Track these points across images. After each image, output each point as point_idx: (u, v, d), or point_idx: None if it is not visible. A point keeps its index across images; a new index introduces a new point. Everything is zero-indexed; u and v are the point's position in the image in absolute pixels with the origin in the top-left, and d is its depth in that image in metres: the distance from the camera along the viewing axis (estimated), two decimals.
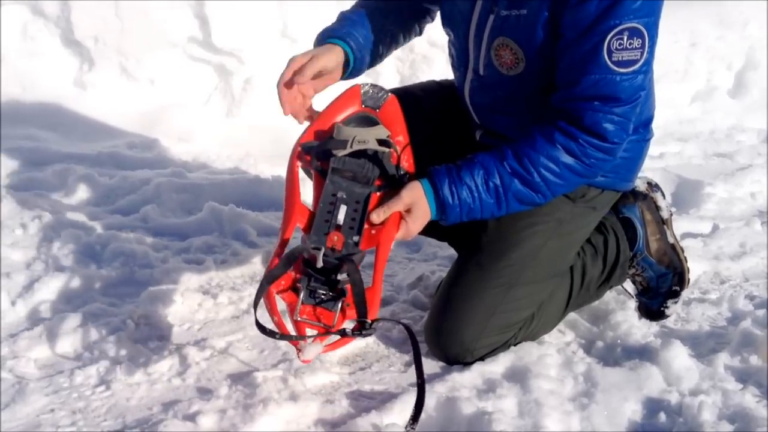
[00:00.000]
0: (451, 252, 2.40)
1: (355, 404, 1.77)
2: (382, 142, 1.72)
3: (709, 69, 4.47)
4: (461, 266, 1.99)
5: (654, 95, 1.99)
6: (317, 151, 1.73)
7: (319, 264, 1.59)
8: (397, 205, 1.71)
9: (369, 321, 1.57)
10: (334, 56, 1.88)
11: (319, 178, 1.74)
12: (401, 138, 1.81)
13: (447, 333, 1.92)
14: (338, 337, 1.60)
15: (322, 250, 1.60)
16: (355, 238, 1.66)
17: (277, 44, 3.96)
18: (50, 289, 2.23)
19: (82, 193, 3.04)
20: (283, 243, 1.66)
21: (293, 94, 1.81)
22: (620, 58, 1.68)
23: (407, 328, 1.71)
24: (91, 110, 3.83)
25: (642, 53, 1.69)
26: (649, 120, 2.01)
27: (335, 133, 1.74)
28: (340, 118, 1.80)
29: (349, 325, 1.60)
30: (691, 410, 1.70)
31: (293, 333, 1.61)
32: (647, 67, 1.72)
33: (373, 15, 1.99)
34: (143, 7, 3.89)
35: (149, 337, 2.02)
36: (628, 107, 1.72)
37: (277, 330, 1.59)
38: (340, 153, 1.70)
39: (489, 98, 1.95)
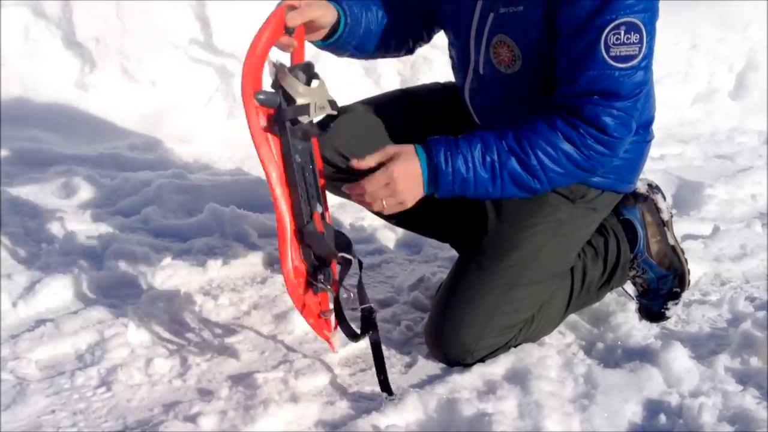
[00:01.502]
0: (452, 253, 2.40)
1: (356, 405, 1.77)
2: (332, 104, 1.76)
3: (710, 71, 4.47)
4: (462, 267, 1.99)
5: (654, 97, 1.99)
6: (278, 118, 1.72)
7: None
8: (379, 155, 1.74)
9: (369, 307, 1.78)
10: (329, 11, 1.84)
11: (276, 137, 1.75)
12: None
13: (447, 334, 1.92)
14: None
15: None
16: (319, 209, 1.75)
17: None
18: (51, 290, 2.23)
19: (83, 194, 3.05)
20: (298, 235, 1.73)
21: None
22: (618, 53, 1.67)
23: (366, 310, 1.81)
24: (92, 112, 3.84)
25: (640, 48, 1.68)
26: (650, 121, 2.01)
27: (288, 87, 1.69)
28: (265, 36, 1.79)
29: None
30: (691, 412, 1.70)
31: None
32: (647, 63, 1.71)
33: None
34: (144, 8, 3.90)
35: (150, 339, 2.02)
36: (629, 102, 1.72)
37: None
38: (305, 120, 1.72)
39: (489, 98, 1.95)
